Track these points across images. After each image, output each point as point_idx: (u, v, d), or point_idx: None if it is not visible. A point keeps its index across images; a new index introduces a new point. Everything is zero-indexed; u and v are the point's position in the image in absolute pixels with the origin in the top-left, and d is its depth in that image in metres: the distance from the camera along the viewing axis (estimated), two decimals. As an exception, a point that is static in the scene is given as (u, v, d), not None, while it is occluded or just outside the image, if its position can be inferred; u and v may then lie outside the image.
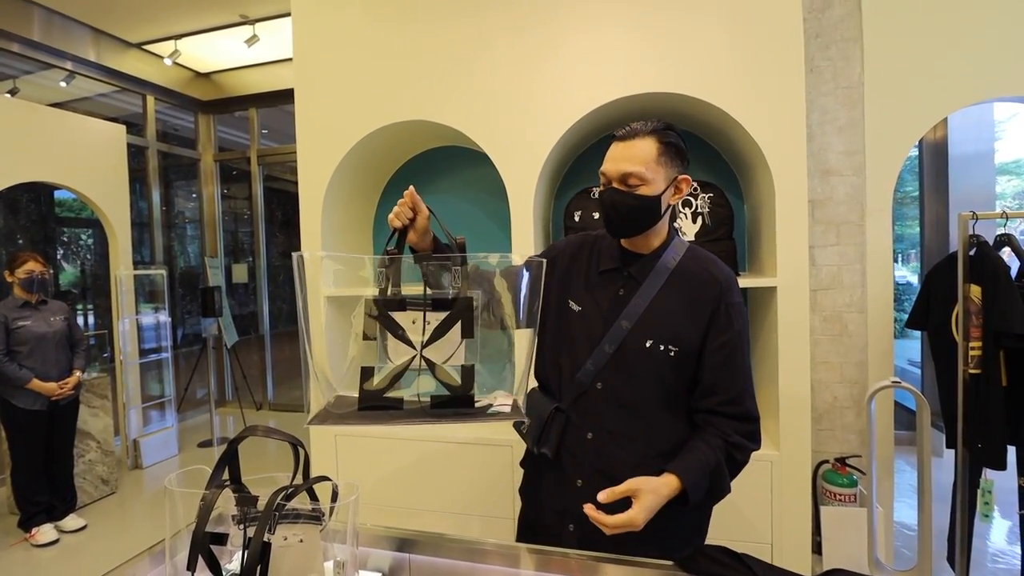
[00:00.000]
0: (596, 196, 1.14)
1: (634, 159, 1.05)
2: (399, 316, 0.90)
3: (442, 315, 0.90)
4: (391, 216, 1.01)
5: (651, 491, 0.95)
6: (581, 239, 1.24)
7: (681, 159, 1.10)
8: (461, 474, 1.93)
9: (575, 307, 1.14)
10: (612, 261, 1.15)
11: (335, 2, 2.06)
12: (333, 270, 1.01)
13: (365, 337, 0.90)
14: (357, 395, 0.88)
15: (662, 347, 1.07)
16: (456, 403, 0.88)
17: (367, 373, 0.89)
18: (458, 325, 0.89)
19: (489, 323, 0.98)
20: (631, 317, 1.08)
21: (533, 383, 1.23)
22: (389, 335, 0.90)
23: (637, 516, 0.93)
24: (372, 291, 0.92)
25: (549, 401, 1.14)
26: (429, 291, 0.92)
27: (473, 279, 0.95)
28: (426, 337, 0.89)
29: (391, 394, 0.88)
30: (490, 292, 0.97)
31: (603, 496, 0.94)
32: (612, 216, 1.08)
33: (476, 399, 0.90)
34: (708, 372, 1.07)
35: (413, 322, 0.90)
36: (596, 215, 1.92)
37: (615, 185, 1.06)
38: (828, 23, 2.14)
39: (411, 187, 1.03)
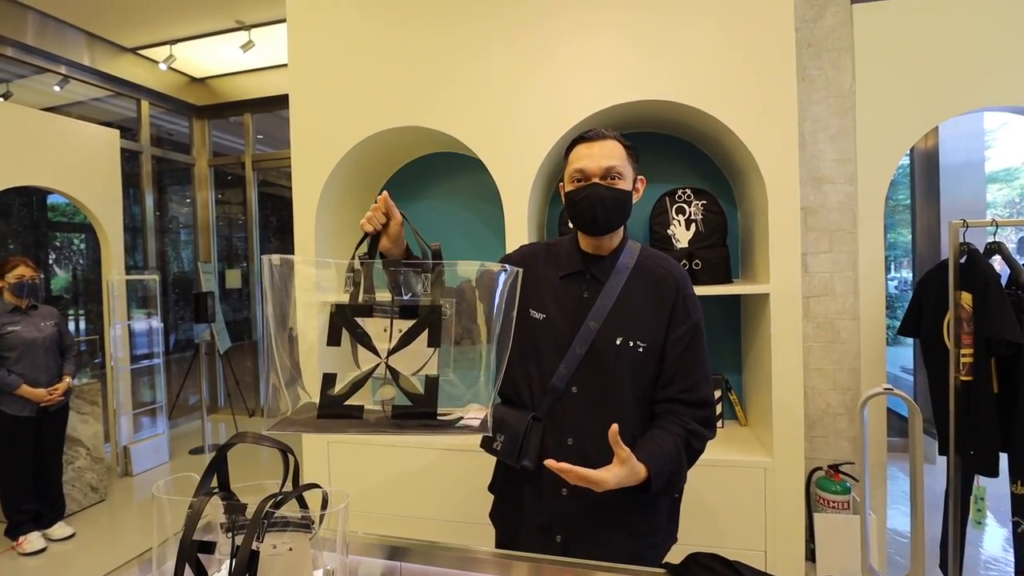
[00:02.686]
0: (571, 192, 1.14)
1: (612, 155, 1.10)
2: (368, 323, 0.87)
3: (410, 323, 0.87)
4: (363, 221, 1.00)
5: (631, 468, 0.98)
6: (531, 249, 1.26)
7: (637, 161, 1.16)
8: (454, 481, 1.92)
9: (537, 315, 1.15)
10: (573, 265, 1.17)
11: (330, 9, 2.07)
12: (314, 275, 0.98)
13: (330, 343, 0.87)
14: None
15: (631, 343, 1.09)
16: (417, 414, 0.85)
17: (329, 380, 0.86)
18: (425, 333, 0.87)
19: (463, 333, 0.96)
20: (598, 317, 1.10)
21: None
22: (354, 342, 0.87)
23: (609, 479, 0.95)
24: (343, 297, 0.89)
25: (523, 412, 1.13)
26: (399, 298, 0.89)
27: (448, 290, 0.94)
28: (392, 345, 0.87)
29: (351, 402, 0.86)
30: (464, 301, 0.95)
31: (612, 433, 0.96)
32: (598, 211, 1.09)
33: (447, 411, 0.87)
34: (669, 362, 1.11)
35: (384, 330, 0.87)
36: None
37: (598, 181, 1.09)
38: (820, 33, 2.16)
39: (384, 192, 1.02)
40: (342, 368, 0.89)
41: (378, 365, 0.87)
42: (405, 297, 0.91)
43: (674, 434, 1.05)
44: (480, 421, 0.88)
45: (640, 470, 0.98)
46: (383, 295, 0.91)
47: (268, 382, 0.89)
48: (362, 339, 0.87)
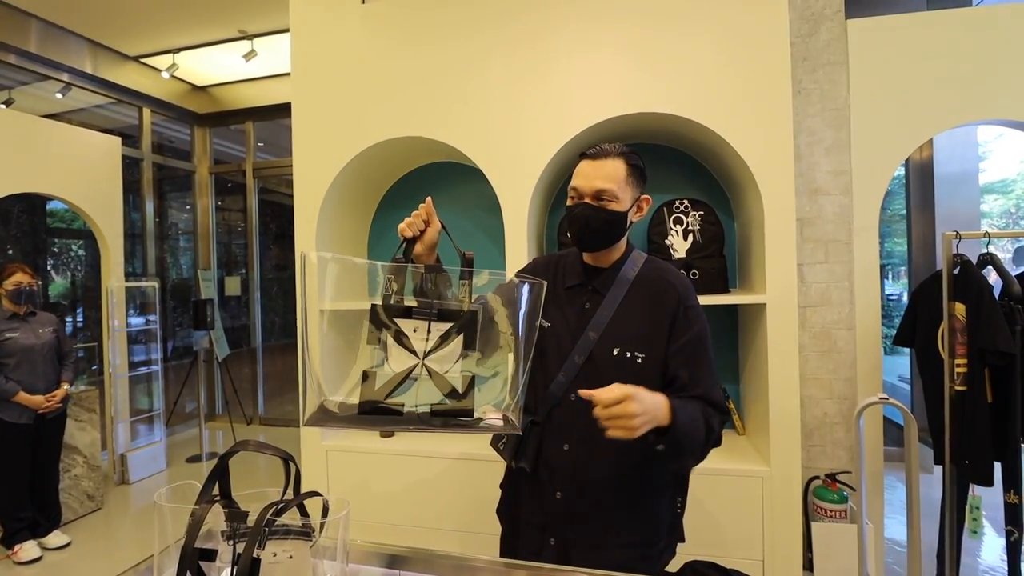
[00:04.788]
0: (567, 208, 1.17)
1: (607, 177, 1.10)
2: (403, 323, 0.91)
3: (446, 325, 0.91)
4: (402, 225, 1.02)
5: (644, 393, 0.95)
6: (546, 260, 1.30)
7: (643, 180, 1.17)
8: (453, 490, 1.92)
9: (545, 324, 1.18)
10: (576, 277, 1.20)
11: (333, 20, 2.10)
12: (333, 280, 1.00)
13: (369, 342, 0.90)
14: (356, 400, 0.89)
15: (629, 354, 1.11)
16: (456, 412, 0.89)
17: (367, 378, 0.89)
18: (461, 337, 0.90)
19: (487, 339, 0.99)
20: (597, 328, 1.12)
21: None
22: (391, 341, 0.91)
23: (628, 390, 0.92)
24: (376, 299, 0.93)
25: (525, 416, 1.15)
26: (436, 301, 0.93)
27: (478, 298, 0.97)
28: (430, 346, 0.90)
29: (391, 400, 0.89)
30: (488, 311, 0.98)
31: (585, 393, 0.94)
32: (584, 230, 1.13)
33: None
34: (677, 372, 1.11)
35: (414, 330, 0.91)
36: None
37: (588, 201, 1.12)
38: (815, 47, 2.20)
39: (428, 198, 1.04)
40: (345, 368, 0.92)
41: (416, 365, 0.90)
42: (435, 301, 0.95)
43: (694, 404, 1.05)
44: (501, 421, 0.91)
45: (662, 401, 0.97)
46: (411, 299, 0.94)
47: (305, 379, 0.91)
48: (400, 339, 0.91)
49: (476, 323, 0.91)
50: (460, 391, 0.89)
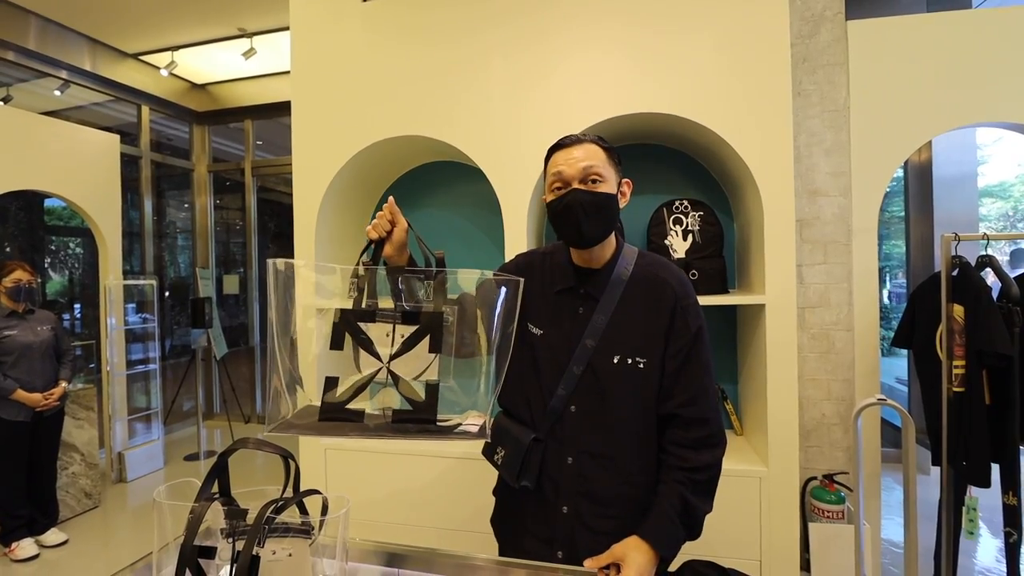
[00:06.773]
0: (551, 202, 1.09)
1: (591, 157, 1.05)
2: (371, 328, 0.88)
3: (412, 328, 0.88)
4: (368, 228, 0.99)
5: (634, 551, 0.98)
6: (528, 259, 1.23)
7: (620, 163, 1.11)
8: (452, 489, 1.92)
9: (535, 330, 1.13)
10: (566, 280, 1.13)
11: (334, 18, 2.09)
12: (317, 280, 0.99)
13: (332, 347, 0.88)
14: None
15: (630, 361, 1.06)
16: (417, 419, 0.86)
17: (331, 383, 0.87)
18: (426, 339, 0.87)
19: (464, 341, 0.95)
20: (594, 336, 1.07)
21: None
22: (358, 346, 0.88)
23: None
24: (346, 302, 0.91)
25: (525, 431, 1.11)
26: (401, 304, 0.90)
27: (450, 298, 0.94)
28: (394, 350, 0.87)
29: (353, 406, 0.86)
30: (466, 311, 0.94)
31: (588, 563, 0.97)
32: (580, 217, 1.03)
33: (446, 418, 0.88)
34: (668, 376, 1.07)
35: (387, 335, 0.89)
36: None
37: (577, 185, 1.04)
38: (815, 48, 2.20)
39: (391, 198, 1.01)
40: (343, 372, 0.90)
41: (380, 369, 0.88)
42: (407, 304, 0.92)
43: (677, 481, 1.05)
44: (479, 427, 0.88)
45: (644, 551, 0.99)
46: (385, 301, 0.92)
47: (270, 385, 0.89)
48: (365, 344, 0.88)
49: (441, 325, 0.87)
50: (422, 396, 0.86)
